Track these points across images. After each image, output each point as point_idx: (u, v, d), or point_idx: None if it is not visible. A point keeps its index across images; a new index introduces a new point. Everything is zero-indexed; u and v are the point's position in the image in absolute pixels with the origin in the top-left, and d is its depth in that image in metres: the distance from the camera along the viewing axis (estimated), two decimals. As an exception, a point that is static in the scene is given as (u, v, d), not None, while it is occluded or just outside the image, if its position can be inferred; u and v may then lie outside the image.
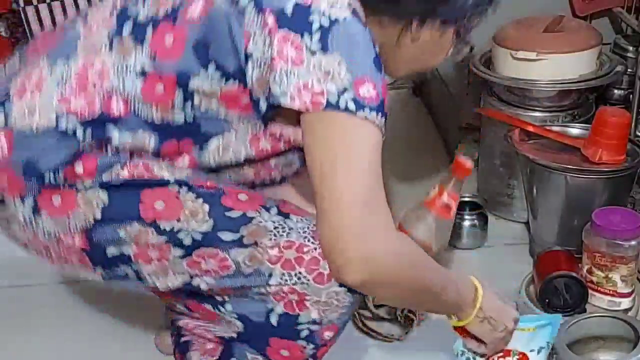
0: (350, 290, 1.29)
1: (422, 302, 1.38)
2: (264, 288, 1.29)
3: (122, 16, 1.29)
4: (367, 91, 1.20)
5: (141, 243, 1.26)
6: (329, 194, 1.20)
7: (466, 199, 2.12)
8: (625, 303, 1.78)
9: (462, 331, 1.45)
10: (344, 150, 1.20)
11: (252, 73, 1.22)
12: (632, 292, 1.79)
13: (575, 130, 2.04)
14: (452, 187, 1.57)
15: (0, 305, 1.99)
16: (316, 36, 1.20)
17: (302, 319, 1.31)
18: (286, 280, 1.28)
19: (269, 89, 1.21)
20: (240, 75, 1.23)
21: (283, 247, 1.28)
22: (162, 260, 1.28)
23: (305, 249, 1.28)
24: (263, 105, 1.25)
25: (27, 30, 2.80)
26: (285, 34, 1.20)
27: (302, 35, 1.20)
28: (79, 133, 1.25)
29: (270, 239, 1.28)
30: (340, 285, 1.28)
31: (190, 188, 1.28)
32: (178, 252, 1.27)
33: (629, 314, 1.76)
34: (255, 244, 1.27)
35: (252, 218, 1.28)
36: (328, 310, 1.31)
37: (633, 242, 1.74)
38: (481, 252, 2.10)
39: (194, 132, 1.28)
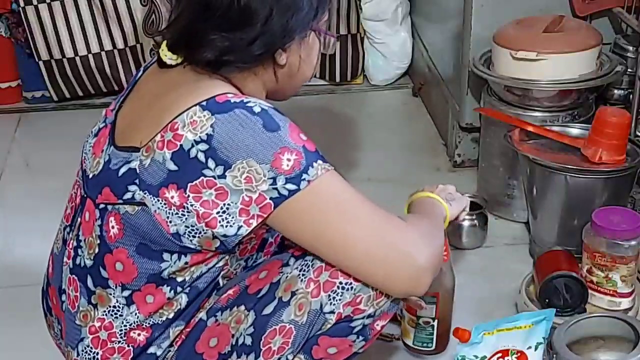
0: None
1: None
2: (327, 323, 1.30)
3: (80, 273, 1.32)
4: (288, 160, 1.18)
5: None
6: (355, 263, 1.24)
7: (466, 199, 2.11)
8: (625, 303, 1.78)
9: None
10: (332, 220, 1.22)
11: (193, 241, 1.24)
12: (632, 292, 1.78)
13: (575, 130, 2.04)
14: None
15: (0, 305, 2.00)
16: (210, 163, 1.18)
17: (357, 316, 1.31)
18: (334, 299, 1.28)
19: (222, 237, 1.22)
20: (187, 248, 1.25)
21: (315, 277, 1.28)
22: None
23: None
24: (229, 245, 1.25)
25: (27, 30, 2.80)
26: (193, 188, 1.19)
27: (203, 174, 1.19)
28: None
29: (302, 281, 1.29)
30: None
31: (222, 310, 1.32)
32: (251, 358, 1.29)
33: (629, 314, 1.76)
34: (293, 294, 1.29)
35: (278, 280, 1.31)
36: (381, 302, 1.30)
37: (633, 242, 1.74)
38: (481, 252, 2.10)
39: (203, 293, 1.32)
